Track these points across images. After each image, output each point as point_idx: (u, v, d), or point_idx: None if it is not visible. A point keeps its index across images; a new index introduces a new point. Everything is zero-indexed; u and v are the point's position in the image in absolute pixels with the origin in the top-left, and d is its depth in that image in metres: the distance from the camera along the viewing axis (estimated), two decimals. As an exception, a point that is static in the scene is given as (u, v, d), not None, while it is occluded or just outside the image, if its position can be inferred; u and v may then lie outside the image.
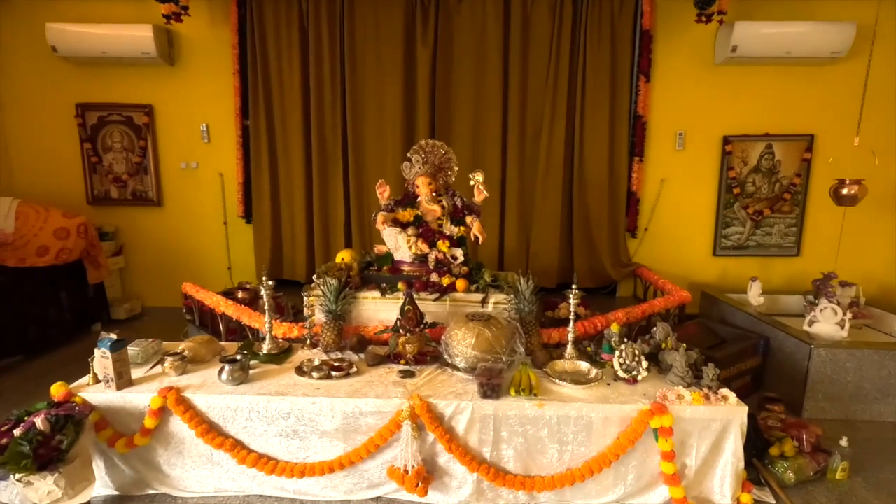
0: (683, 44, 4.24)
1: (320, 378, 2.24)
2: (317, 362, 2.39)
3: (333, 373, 2.27)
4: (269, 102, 4.37)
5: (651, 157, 4.43)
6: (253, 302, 3.40)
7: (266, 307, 2.54)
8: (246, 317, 2.98)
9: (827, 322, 3.09)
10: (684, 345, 2.46)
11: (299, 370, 2.32)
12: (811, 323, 3.17)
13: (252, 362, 2.41)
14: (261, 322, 2.81)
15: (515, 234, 4.50)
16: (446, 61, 4.29)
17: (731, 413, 2.07)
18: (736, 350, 3.04)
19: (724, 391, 2.13)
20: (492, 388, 2.10)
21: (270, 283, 2.55)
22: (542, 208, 4.42)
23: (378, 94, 4.33)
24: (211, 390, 2.15)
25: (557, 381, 2.23)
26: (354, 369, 2.33)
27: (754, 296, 3.84)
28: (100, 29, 4.08)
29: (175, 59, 4.38)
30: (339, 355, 2.53)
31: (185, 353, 2.38)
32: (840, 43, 3.92)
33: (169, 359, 2.26)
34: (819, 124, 4.28)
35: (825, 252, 4.40)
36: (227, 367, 2.17)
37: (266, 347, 2.53)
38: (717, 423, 2.07)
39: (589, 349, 2.58)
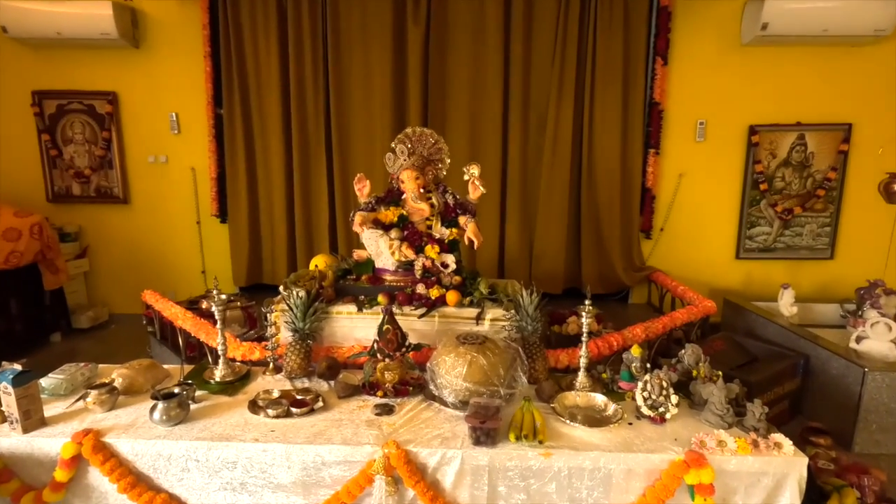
0: (706, 21, 3.81)
1: (277, 416, 1.83)
2: (276, 394, 1.98)
3: (294, 409, 1.86)
4: (245, 88, 3.98)
5: (668, 150, 4.02)
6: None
7: (219, 326, 2.14)
8: (204, 333, 2.57)
9: (879, 339, 2.67)
10: (719, 373, 2.04)
11: (253, 405, 1.91)
12: (859, 339, 2.75)
13: (200, 393, 2.01)
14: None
15: (517, 234, 4.10)
16: (440, 41, 3.88)
17: (787, 465, 1.65)
18: (774, 372, 2.63)
19: (777, 436, 1.71)
20: (486, 433, 1.68)
21: (223, 296, 2.14)
22: (547, 206, 4.02)
23: (365, 79, 3.93)
24: (140, 433, 1.75)
25: (568, 420, 1.81)
26: (320, 403, 1.92)
27: (786, 305, 3.42)
28: (53, 6, 3.68)
29: (140, 40, 3.98)
30: (306, 383, 2.13)
31: (118, 382, 1.98)
32: (886, 19, 3.48)
33: (93, 392, 1.86)
34: (858, 112, 3.84)
35: (862, 255, 3.99)
36: (160, 405, 1.76)
37: (219, 374, 2.13)
38: (768, 477, 1.66)
39: (605, 375, 2.17)
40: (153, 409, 1.78)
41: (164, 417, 1.76)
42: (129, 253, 4.30)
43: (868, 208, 3.85)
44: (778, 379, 2.64)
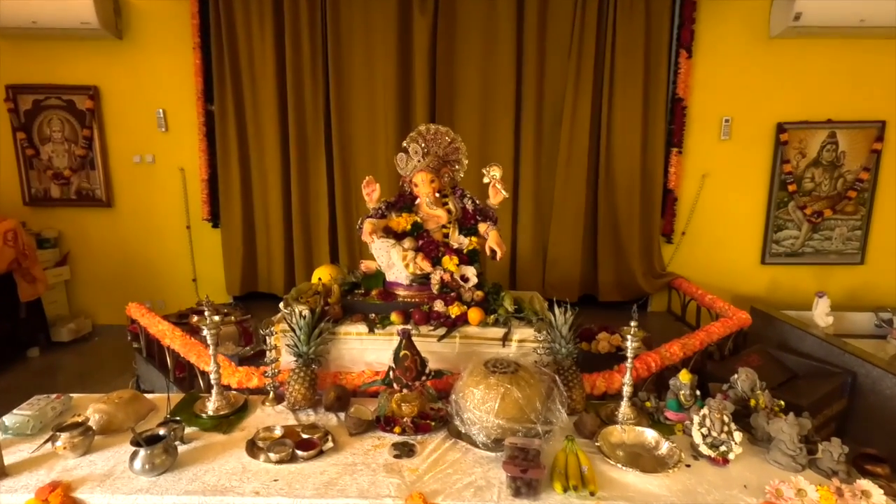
0: (733, 12, 3.60)
1: (280, 461, 1.57)
2: (278, 431, 1.73)
3: (300, 452, 1.60)
4: (238, 82, 3.73)
5: (691, 148, 3.80)
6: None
7: (211, 352, 1.87)
8: (195, 355, 2.30)
9: (935, 355, 2.45)
10: (782, 402, 1.81)
11: (252, 446, 1.65)
12: (911, 355, 2.53)
13: (190, 430, 1.74)
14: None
15: (530, 238, 3.87)
16: (449, 32, 3.64)
17: (877, 518, 1.42)
18: (823, 393, 2.40)
19: (864, 483, 1.47)
20: (528, 483, 1.43)
21: (216, 317, 1.87)
22: (562, 208, 3.79)
23: (367, 72, 3.69)
24: (118, 485, 1.48)
25: (618, 464, 1.57)
26: (330, 444, 1.66)
27: (821, 315, 3.21)
28: (27, -8, 3.38)
29: (123, 31, 3.73)
30: (312, 416, 1.87)
31: (94, 419, 1.71)
32: (927, 9, 3.26)
33: (64, 435, 1.59)
34: (893, 109, 3.64)
35: (894, 260, 3.76)
36: (142, 453, 1.49)
37: (212, 406, 1.86)
38: (856, 532, 1.42)
39: (648, 404, 1.93)
40: (134, 456, 1.51)
41: (147, 466, 1.49)
42: (114, 260, 4.04)
43: (901, 210, 3.66)
44: (828, 401, 2.42)
